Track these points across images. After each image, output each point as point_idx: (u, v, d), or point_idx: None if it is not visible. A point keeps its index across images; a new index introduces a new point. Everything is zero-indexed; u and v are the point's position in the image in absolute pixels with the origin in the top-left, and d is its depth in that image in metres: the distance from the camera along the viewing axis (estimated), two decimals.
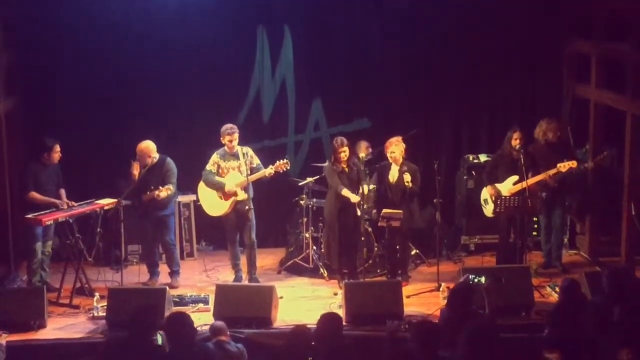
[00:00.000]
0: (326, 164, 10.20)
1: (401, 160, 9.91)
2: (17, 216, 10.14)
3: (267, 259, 11.15)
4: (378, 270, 10.41)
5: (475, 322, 6.47)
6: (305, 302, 9.66)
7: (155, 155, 9.92)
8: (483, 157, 11.38)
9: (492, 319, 7.28)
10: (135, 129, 10.60)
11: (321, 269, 10.49)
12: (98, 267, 10.63)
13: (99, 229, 10.00)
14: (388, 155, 9.94)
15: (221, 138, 9.89)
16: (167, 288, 9.11)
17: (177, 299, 9.34)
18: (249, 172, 9.85)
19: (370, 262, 10.33)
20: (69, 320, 9.13)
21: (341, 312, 8.94)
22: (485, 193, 10.36)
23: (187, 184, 10.72)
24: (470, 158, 11.48)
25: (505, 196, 9.99)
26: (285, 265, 10.82)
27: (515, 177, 10.06)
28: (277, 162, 9.84)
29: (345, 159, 9.86)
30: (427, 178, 10.20)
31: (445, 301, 7.97)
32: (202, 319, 8.74)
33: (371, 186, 10.14)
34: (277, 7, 11.54)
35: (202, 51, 11.39)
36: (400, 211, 9.75)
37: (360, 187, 9.74)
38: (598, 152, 10.45)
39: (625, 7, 10.12)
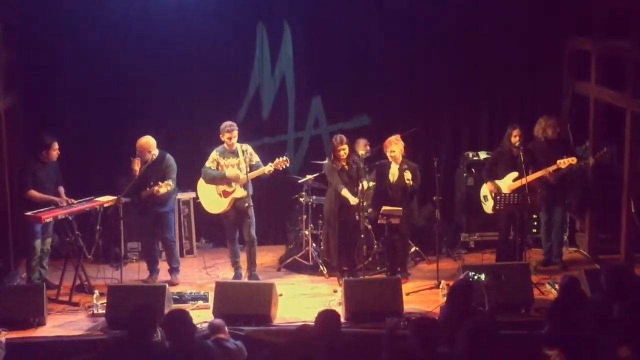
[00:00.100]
0: (326, 161, 10.20)
1: (401, 158, 9.91)
2: (17, 214, 10.13)
3: (267, 256, 11.15)
4: (378, 268, 10.41)
5: (475, 319, 6.46)
6: (304, 299, 9.66)
7: (155, 152, 9.92)
8: (483, 155, 11.39)
9: (492, 316, 7.28)
10: (135, 126, 10.58)
11: (321, 267, 10.49)
12: (97, 264, 10.63)
13: (98, 227, 10.01)
14: (388, 154, 9.93)
15: (220, 135, 9.89)
16: (167, 285, 9.10)
17: (176, 297, 9.34)
18: (248, 170, 9.85)
19: (370, 259, 10.33)
20: (68, 317, 9.13)
21: (341, 310, 8.95)
22: (485, 189, 10.36)
23: (187, 182, 10.71)
24: (470, 155, 11.48)
25: (505, 193, 9.99)
26: (284, 263, 10.82)
27: (515, 174, 10.06)
28: (277, 159, 9.83)
29: (345, 156, 9.86)
30: (426, 176, 10.19)
31: (445, 298, 7.97)
32: (202, 316, 8.76)
33: (371, 183, 10.14)
34: (276, 5, 11.54)
35: (201, 49, 11.39)
36: (400, 209, 9.75)
37: (360, 184, 9.73)
38: (598, 149, 10.45)
39: (625, 5, 10.11)
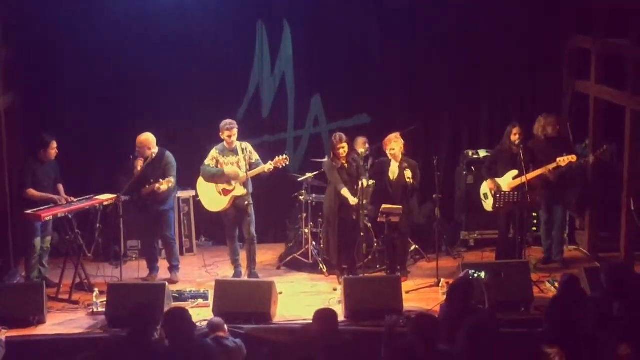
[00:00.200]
0: (325, 159, 10.20)
1: (400, 156, 9.91)
2: (17, 212, 10.13)
3: (267, 254, 11.15)
4: (377, 266, 10.40)
5: (475, 317, 6.46)
6: (304, 297, 9.66)
7: (155, 149, 9.91)
8: (482, 153, 11.39)
9: (492, 314, 7.28)
10: (135, 124, 10.55)
11: (320, 265, 10.49)
12: (97, 262, 10.62)
13: (98, 225, 10.01)
14: (387, 152, 9.93)
15: (220, 133, 9.88)
16: (167, 283, 9.09)
17: (176, 295, 9.34)
18: (248, 168, 9.84)
19: (370, 257, 10.33)
20: (68, 315, 9.13)
21: (340, 308, 8.95)
22: (485, 187, 10.36)
23: (187, 180, 10.71)
24: (470, 154, 11.48)
25: (505, 191, 9.99)
26: (284, 261, 10.82)
27: (515, 172, 10.06)
28: (277, 157, 9.83)
29: (344, 154, 9.85)
30: (426, 174, 10.19)
31: (445, 297, 7.97)
32: (202, 314, 8.75)
33: (370, 181, 10.13)
34: (276, 3, 11.53)
35: (201, 47, 11.39)
36: (400, 207, 9.75)
37: (360, 182, 9.73)
38: (598, 147, 10.44)
39: (625, 3, 10.10)
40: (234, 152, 9.92)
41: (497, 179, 10.23)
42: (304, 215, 10.71)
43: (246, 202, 9.84)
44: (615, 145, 10.66)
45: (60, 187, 9.96)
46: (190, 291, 9.57)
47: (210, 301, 9.05)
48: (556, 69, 11.60)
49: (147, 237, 10.30)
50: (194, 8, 11.23)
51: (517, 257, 9.82)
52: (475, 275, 7.59)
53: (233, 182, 9.85)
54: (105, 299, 8.92)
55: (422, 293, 9.64)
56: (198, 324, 8.01)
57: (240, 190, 9.87)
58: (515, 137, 10.06)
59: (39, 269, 9.89)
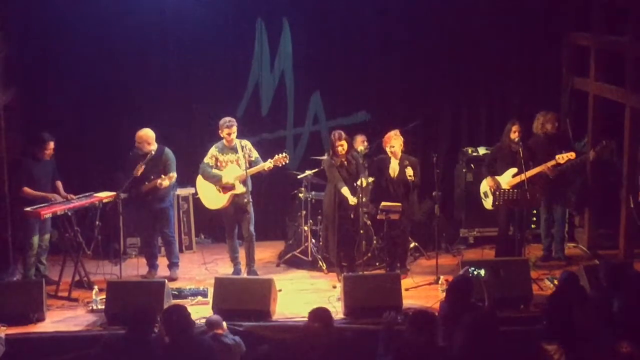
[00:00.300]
0: (325, 157, 10.19)
1: (400, 154, 9.90)
2: (16, 209, 10.12)
3: (266, 252, 11.15)
4: (377, 263, 10.40)
5: (475, 315, 6.46)
6: (304, 295, 9.66)
7: (154, 145, 9.91)
8: (482, 150, 11.39)
9: (491, 311, 7.28)
10: (134, 121, 10.54)
11: (320, 262, 10.50)
12: (97, 260, 10.58)
13: (97, 222, 9.98)
14: (387, 149, 9.92)
15: (219, 131, 9.88)
16: (166, 281, 9.10)
17: (175, 292, 9.34)
18: (247, 166, 9.84)
19: (369, 255, 10.33)
20: (67, 313, 9.13)
21: (340, 305, 8.96)
22: (485, 185, 10.36)
23: (186, 177, 10.71)
24: (469, 151, 11.49)
25: (504, 189, 9.99)
26: (284, 258, 10.82)
27: (515, 170, 10.06)
28: (276, 156, 9.83)
29: (343, 152, 9.84)
30: (425, 171, 10.19)
31: (445, 294, 7.97)
32: (201, 311, 8.75)
33: (369, 179, 10.13)
34: (276, 1, 11.53)
35: (201, 45, 11.38)
36: (399, 204, 9.75)
37: (359, 180, 9.73)
38: (598, 143, 10.44)
39: (624, 1, 10.12)
40: (234, 150, 9.91)
41: (497, 177, 10.24)
42: (304, 212, 10.70)
43: (245, 200, 9.85)
44: (615, 142, 10.66)
45: (59, 184, 9.95)
46: (190, 288, 9.57)
47: (210, 298, 9.06)
48: (555, 66, 11.61)
49: (147, 235, 10.31)
50: (193, 6, 11.22)
51: (516, 255, 9.83)
52: (475, 272, 7.60)
53: (232, 180, 9.85)
54: (104, 297, 8.92)
55: (421, 290, 9.64)
56: (197, 321, 8.02)
57: (239, 188, 9.87)
58: (514, 135, 10.07)
59: (38, 266, 9.89)
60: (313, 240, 10.66)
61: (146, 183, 9.84)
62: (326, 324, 6.45)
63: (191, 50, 11.37)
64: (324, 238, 10.31)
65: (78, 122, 11.25)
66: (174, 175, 9.88)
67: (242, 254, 10.20)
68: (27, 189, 9.67)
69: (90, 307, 9.13)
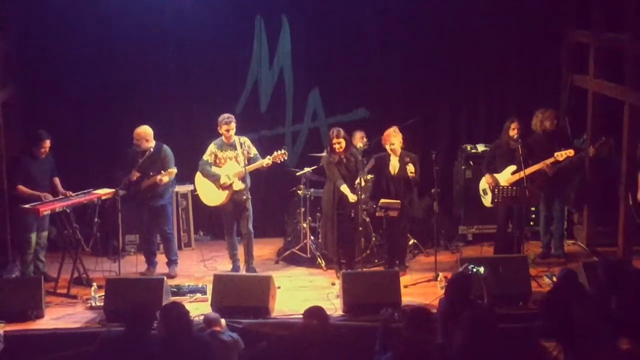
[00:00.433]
0: (324, 154, 10.19)
1: (400, 150, 9.90)
2: (15, 206, 10.11)
3: (265, 249, 11.15)
4: (376, 260, 10.40)
5: (474, 312, 6.46)
6: (302, 292, 9.67)
7: (153, 142, 9.90)
8: (481, 147, 11.40)
9: (491, 308, 7.28)
10: (133, 118, 10.54)
11: (319, 259, 10.50)
12: (96, 257, 10.57)
13: (96, 219, 9.98)
14: (387, 147, 9.90)
15: (218, 128, 9.87)
16: (165, 278, 9.09)
17: (174, 289, 9.34)
18: (246, 162, 9.84)
19: (368, 252, 10.34)
20: (66, 310, 9.13)
21: (339, 302, 8.96)
22: (484, 183, 10.36)
23: (185, 174, 10.70)
24: (468, 148, 11.49)
25: (503, 186, 9.99)
26: (282, 255, 10.82)
27: (514, 167, 10.06)
28: (275, 152, 9.82)
29: (341, 150, 9.82)
30: (424, 168, 10.19)
31: (443, 291, 7.97)
32: (200, 308, 8.75)
33: (368, 176, 10.12)
34: None
35: (200, 42, 11.38)
36: (398, 201, 9.74)
37: (359, 179, 9.73)
38: (597, 139, 10.44)
39: None
40: (232, 146, 9.91)
41: (496, 174, 10.24)
42: (302, 209, 10.71)
43: (244, 197, 9.84)
44: (614, 139, 10.66)
45: (57, 180, 9.95)
46: (189, 286, 9.57)
47: (209, 295, 9.06)
48: (554, 64, 11.61)
49: (145, 232, 10.30)
50: (192, 2, 11.21)
51: (515, 252, 9.83)
52: (474, 269, 7.60)
53: (231, 177, 9.85)
54: (103, 294, 8.92)
55: (420, 287, 9.64)
56: (195, 318, 8.02)
57: (238, 185, 9.87)
58: (513, 132, 10.06)
59: (36, 264, 9.88)
60: (312, 237, 10.66)
61: (145, 180, 9.83)
62: (323, 321, 6.45)
63: (190, 47, 11.37)
64: (323, 235, 10.31)
65: (77, 119, 11.26)
66: (174, 170, 9.89)
67: (241, 251, 10.20)
68: (21, 187, 9.65)
69: (89, 304, 9.13)
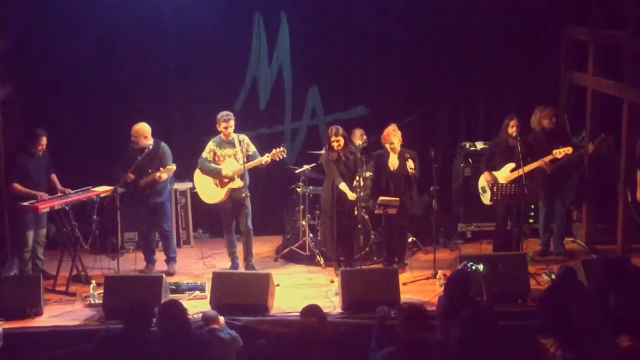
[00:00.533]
0: (323, 151, 10.19)
1: (399, 148, 9.89)
2: (13, 204, 10.11)
3: (264, 246, 11.15)
4: (375, 258, 10.40)
5: (473, 309, 6.46)
6: (302, 289, 9.67)
7: (151, 140, 9.89)
8: (480, 145, 11.40)
9: (489, 306, 7.28)
10: (132, 116, 10.52)
11: (318, 257, 10.50)
12: (94, 254, 10.60)
13: (95, 217, 9.98)
14: (387, 146, 9.89)
15: (217, 125, 9.87)
16: (164, 275, 9.09)
17: (173, 287, 9.34)
18: (245, 160, 9.83)
19: (367, 249, 10.34)
20: (65, 307, 9.13)
21: (338, 300, 8.96)
22: (483, 180, 10.36)
23: (184, 172, 10.70)
24: (467, 145, 11.49)
25: (502, 184, 9.99)
26: (281, 253, 10.82)
27: (512, 165, 10.06)
28: (274, 150, 9.81)
29: (339, 148, 9.82)
30: (424, 166, 10.19)
31: (442, 288, 7.97)
32: (199, 306, 8.75)
33: (367, 174, 10.12)
34: None
35: (198, 39, 11.38)
36: (397, 199, 9.74)
37: (357, 177, 9.72)
38: (596, 136, 10.44)
39: None
40: (231, 144, 9.91)
41: (495, 172, 10.23)
42: (301, 207, 10.70)
43: (243, 194, 9.84)
44: (613, 137, 10.66)
45: (54, 177, 9.94)
46: (188, 283, 9.56)
47: (208, 293, 9.06)
48: (553, 61, 11.61)
49: (144, 229, 10.30)
50: (192, 2, 11.20)
51: (514, 249, 9.82)
52: (473, 267, 7.59)
53: (232, 173, 9.85)
54: (102, 291, 8.92)
55: (419, 285, 9.64)
56: (194, 316, 8.03)
57: (237, 183, 9.86)
58: (512, 130, 10.06)
59: (35, 261, 9.87)
60: (311, 235, 10.66)
61: (144, 177, 9.83)
62: (321, 319, 6.45)
63: (189, 44, 11.37)
64: (322, 232, 10.31)
65: (76, 117, 11.26)
66: (173, 167, 9.88)
67: (239, 248, 10.20)
68: (16, 186, 9.65)
69: (88, 302, 9.13)
